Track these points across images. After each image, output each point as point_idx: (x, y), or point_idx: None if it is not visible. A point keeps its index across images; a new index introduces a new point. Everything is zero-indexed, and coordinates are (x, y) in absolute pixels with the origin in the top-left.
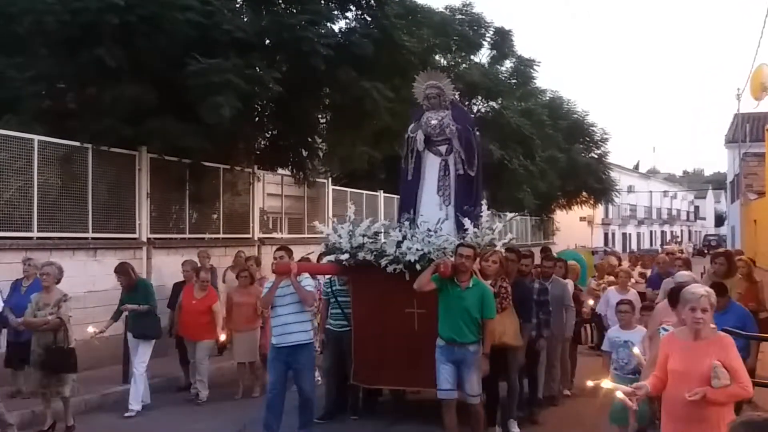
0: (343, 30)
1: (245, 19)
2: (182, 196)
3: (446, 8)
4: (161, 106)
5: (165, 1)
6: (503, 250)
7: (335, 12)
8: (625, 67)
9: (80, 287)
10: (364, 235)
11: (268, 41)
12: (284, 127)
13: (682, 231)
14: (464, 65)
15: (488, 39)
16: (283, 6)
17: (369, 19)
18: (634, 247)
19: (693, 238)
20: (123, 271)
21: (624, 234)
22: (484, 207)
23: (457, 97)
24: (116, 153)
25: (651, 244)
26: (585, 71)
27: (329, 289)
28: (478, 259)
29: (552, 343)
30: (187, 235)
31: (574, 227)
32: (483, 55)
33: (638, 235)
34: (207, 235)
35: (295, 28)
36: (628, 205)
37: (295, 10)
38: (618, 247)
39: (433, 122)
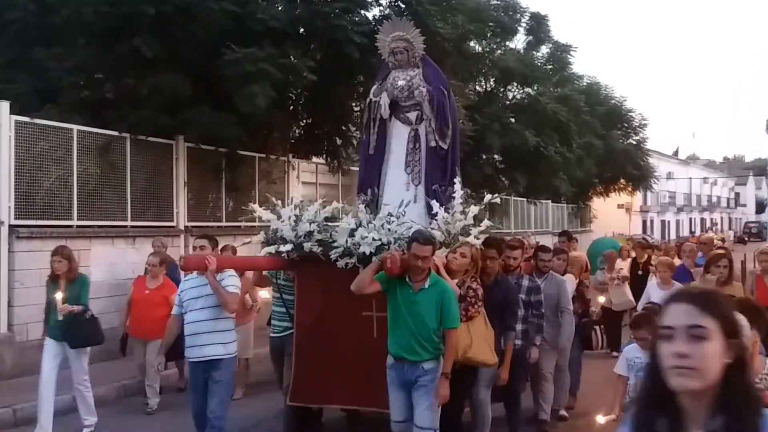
0: (377, 17)
1: (279, 8)
2: (218, 185)
3: None
4: (197, 95)
5: None
6: (478, 242)
7: (369, 0)
8: (665, 52)
9: (120, 275)
10: (312, 222)
11: (302, 30)
12: (318, 115)
13: (722, 218)
14: (499, 51)
15: (524, 24)
16: None
17: (403, 6)
18: (673, 235)
19: (733, 225)
20: (66, 255)
21: (663, 221)
22: (457, 186)
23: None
24: (154, 142)
25: (690, 232)
26: (623, 56)
27: (274, 281)
28: (444, 253)
29: (543, 353)
30: (224, 223)
31: (612, 215)
32: (518, 41)
33: (677, 222)
34: (243, 223)
35: (329, 17)
36: (666, 192)
37: None
38: (657, 235)
39: (400, 83)
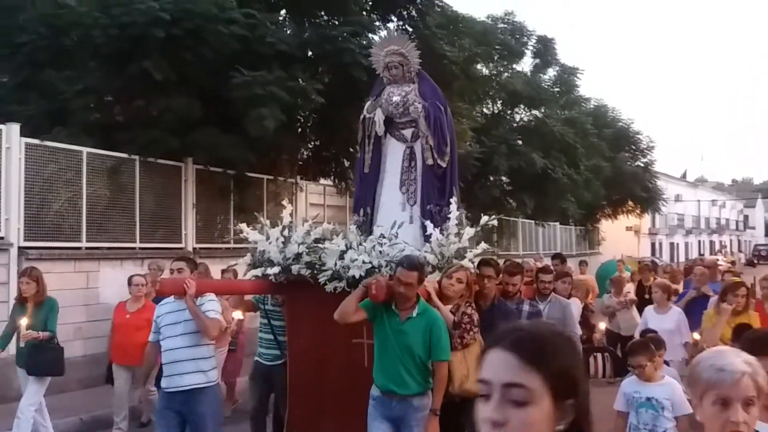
0: None
1: (288, 32)
2: (227, 207)
3: (488, 17)
4: (206, 118)
5: (210, 14)
6: (473, 265)
7: (377, 23)
8: (672, 74)
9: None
10: (302, 243)
11: (310, 53)
12: (326, 137)
13: (731, 240)
14: (506, 74)
15: (531, 47)
16: (325, 18)
17: (410, 29)
18: (682, 257)
19: (743, 247)
20: (34, 277)
21: (671, 244)
22: (453, 206)
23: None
24: (163, 164)
25: (699, 254)
26: (630, 79)
27: (261, 306)
28: (437, 278)
29: None
30: (232, 245)
31: (621, 237)
32: (525, 64)
33: (686, 245)
34: (251, 245)
35: (337, 40)
36: (675, 214)
37: (337, 22)
38: (666, 257)
39: (395, 99)
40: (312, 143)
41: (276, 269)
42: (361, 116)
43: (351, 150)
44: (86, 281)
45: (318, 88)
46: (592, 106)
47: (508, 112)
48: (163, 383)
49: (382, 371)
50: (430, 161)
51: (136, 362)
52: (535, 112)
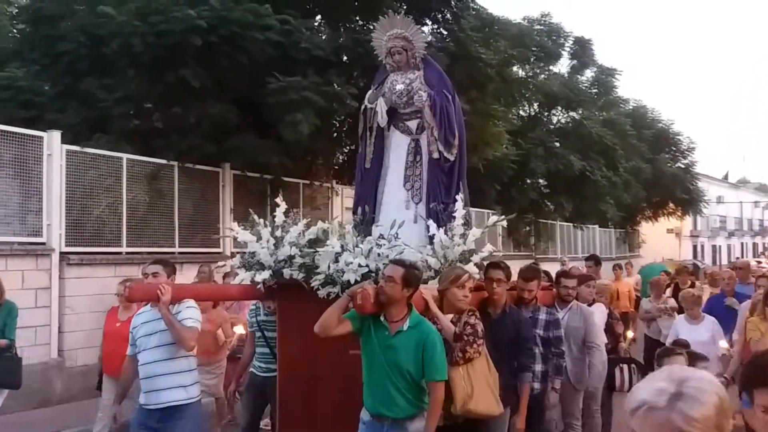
0: None
1: (323, 37)
2: (264, 211)
3: (524, 19)
4: (243, 123)
5: (246, 21)
6: (478, 271)
7: None
8: (713, 74)
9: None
10: (295, 245)
11: (345, 58)
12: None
13: None
14: (543, 76)
15: (568, 49)
16: (360, 23)
17: (445, 32)
18: (724, 260)
19: None
20: None
21: (713, 246)
22: (459, 204)
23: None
24: (201, 170)
25: (742, 257)
26: (670, 79)
27: (254, 319)
28: (435, 285)
29: (568, 395)
30: None
31: (661, 240)
32: (562, 65)
33: (728, 247)
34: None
35: (371, 44)
36: (717, 216)
37: (371, 26)
38: (707, 260)
39: (399, 87)
40: (347, 147)
41: (266, 273)
42: (362, 107)
43: None
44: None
45: (353, 93)
46: (630, 107)
47: (545, 114)
48: (141, 399)
49: (370, 392)
50: (435, 155)
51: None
52: (572, 113)
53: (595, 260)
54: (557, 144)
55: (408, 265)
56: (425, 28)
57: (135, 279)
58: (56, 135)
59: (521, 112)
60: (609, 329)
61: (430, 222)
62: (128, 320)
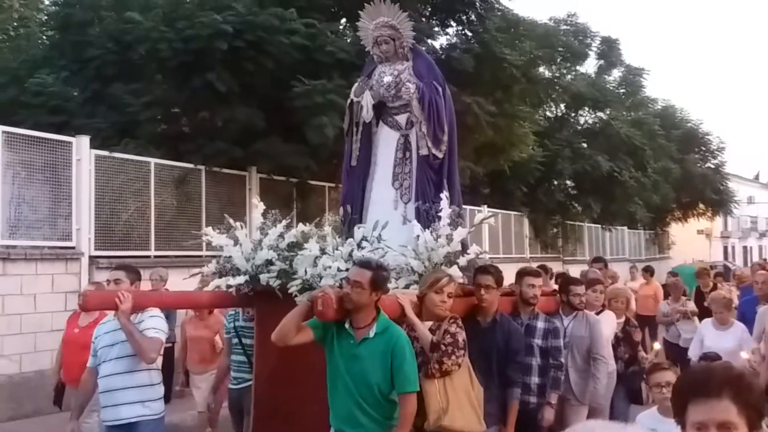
0: (444, 46)
1: (348, 40)
2: (290, 214)
3: (550, 19)
4: (269, 127)
5: (271, 26)
6: (462, 275)
7: (436, 29)
8: (743, 73)
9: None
10: (275, 248)
11: None
12: None
13: None
14: (570, 76)
15: (594, 49)
16: None
17: (470, 34)
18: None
19: None
20: None
21: (745, 247)
22: (444, 203)
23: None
24: (227, 174)
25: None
26: (699, 78)
27: (231, 325)
28: (414, 291)
29: (571, 411)
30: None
31: (692, 241)
32: (589, 66)
33: (760, 248)
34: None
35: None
36: (748, 216)
37: None
38: (739, 261)
39: (387, 79)
40: None
41: (241, 279)
42: (348, 100)
43: None
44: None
45: None
46: (659, 107)
47: (572, 114)
48: (102, 415)
49: (333, 408)
50: (424, 151)
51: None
52: (600, 114)
53: (603, 263)
54: (584, 145)
55: (375, 266)
56: (450, 30)
57: (99, 283)
58: (85, 140)
59: (548, 113)
60: (626, 338)
61: (414, 222)
62: (88, 326)
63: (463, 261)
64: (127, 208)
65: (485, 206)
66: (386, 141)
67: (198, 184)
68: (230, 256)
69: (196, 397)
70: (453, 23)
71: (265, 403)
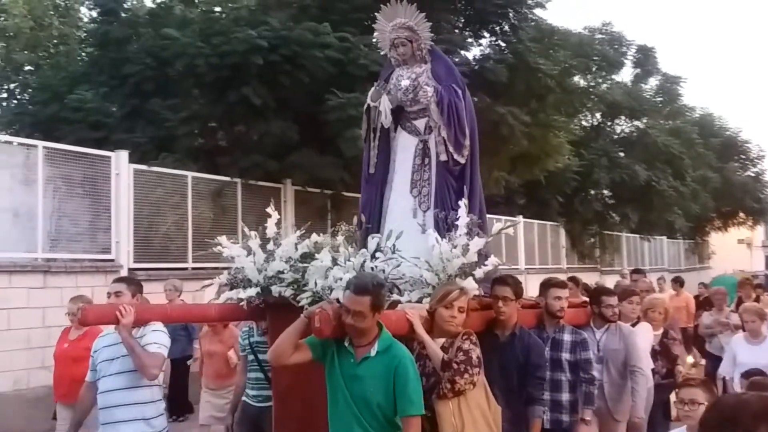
0: (477, 57)
1: (381, 53)
2: (324, 226)
3: (585, 28)
4: (303, 140)
5: (306, 40)
6: (477, 287)
7: (469, 40)
8: None
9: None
10: (289, 259)
11: None
12: None
13: None
14: (605, 85)
15: (630, 57)
16: None
17: (503, 44)
18: None
19: None
20: None
21: None
22: (462, 211)
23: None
24: (263, 186)
25: None
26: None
27: (246, 341)
28: (426, 305)
29: (607, 427)
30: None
31: (732, 250)
32: (625, 74)
33: None
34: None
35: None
36: None
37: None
38: None
39: (405, 83)
40: None
41: (252, 291)
42: (365, 106)
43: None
44: (192, 301)
45: None
46: (697, 116)
47: (608, 123)
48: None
49: (334, 428)
50: (443, 156)
51: (72, 400)
52: (636, 123)
53: (641, 274)
54: (621, 154)
55: (372, 288)
56: (483, 41)
57: (84, 298)
58: (124, 155)
59: (583, 122)
60: (664, 351)
61: (429, 231)
62: (78, 339)
63: (479, 273)
64: (165, 221)
65: (520, 216)
66: (404, 147)
67: (234, 196)
68: (242, 267)
69: (201, 409)
70: (486, 34)
71: (286, 424)
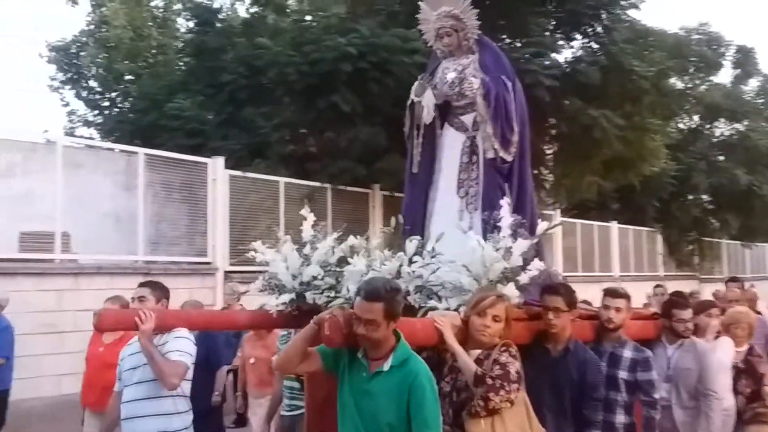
0: (568, 59)
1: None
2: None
3: (681, 29)
4: (390, 145)
5: (394, 46)
6: (518, 294)
7: (560, 42)
8: None
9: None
10: (325, 265)
11: None
12: None
13: None
14: (703, 87)
15: (729, 58)
16: (507, 41)
17: (596, 46)
18: None
19: None
20: None
21: None
22: (505, 210)
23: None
24: (352, 191)
25: None
26: None
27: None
28: (457, 313)
29: None
30: None
31: None
32: (724, 76)
33: None
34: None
35: (519, 61)
36: None
37: (519, 44)
38: None
39: (450, 76)
40: None
41: (285, 298)
42: (408, 101)
43: (535, 171)
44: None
45: None
46: None
47: (707, 126)
48: None
49: None
50: (490, 154)
51: (103, 407)
52: (737, 125)
53: (739, 282)
54: (721, 157)
55: (385, 293)
56: (575, 43)
57: (122, 298)
58: (220, 161)
59: (681, 125)
60: (749, 370)
61: (470, 233)
62: (114, 343)
63: (524, 278)
64: (258, 225)
65: (614, 222)
66: (451, 144)
67: (324, 201)
68: (276, 273)
69: (252, 424)
70: (578, 36)
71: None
